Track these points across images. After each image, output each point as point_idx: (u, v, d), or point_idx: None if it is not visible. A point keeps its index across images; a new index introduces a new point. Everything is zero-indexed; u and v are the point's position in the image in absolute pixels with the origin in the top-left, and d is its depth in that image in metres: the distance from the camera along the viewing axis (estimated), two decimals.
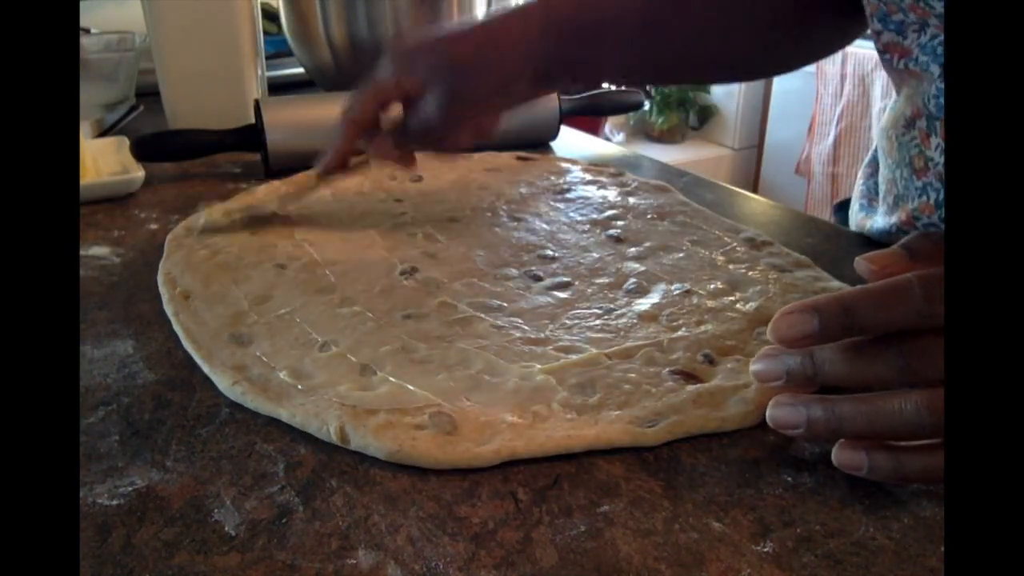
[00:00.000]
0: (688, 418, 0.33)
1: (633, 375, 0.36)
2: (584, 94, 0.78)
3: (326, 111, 0.68)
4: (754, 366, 0.32)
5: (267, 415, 0.34)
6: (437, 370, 0.36)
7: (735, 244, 0.50)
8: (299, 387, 0.35)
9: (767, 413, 0.31)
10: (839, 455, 0.29)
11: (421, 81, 0.48)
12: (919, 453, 0.28)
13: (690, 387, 0.35)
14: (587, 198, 0.59)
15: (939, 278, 0.27)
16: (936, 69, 0.45)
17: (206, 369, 0.37)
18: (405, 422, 0.32)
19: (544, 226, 0.54)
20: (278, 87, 0.93)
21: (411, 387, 0.35)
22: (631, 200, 0.58)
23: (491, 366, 0.37)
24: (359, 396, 0.34)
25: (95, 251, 0.51)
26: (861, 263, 0.34)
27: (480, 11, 0.79)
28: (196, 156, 0.66)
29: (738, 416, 0.33)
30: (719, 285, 0.45)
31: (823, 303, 0.29)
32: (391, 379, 0.36)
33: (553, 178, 0.63)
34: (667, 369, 0.37)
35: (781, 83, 2.48)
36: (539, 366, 0.37)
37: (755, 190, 2.56)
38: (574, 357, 0.37)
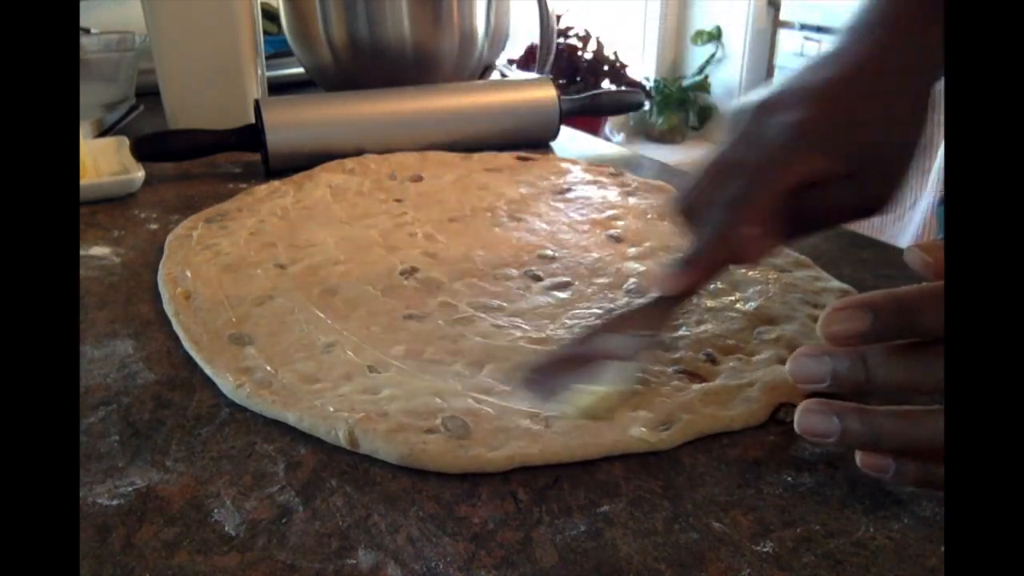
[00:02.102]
0: (699, 418, 0.33)
1: (639, 374, 0.36)
2: (585, 94, 0.78)
3: (326, 111, 0.68)
4: (793, 365, 0.30)
5: (272, 417, 0.34)
6: (443, 371, 0.36)
7: None
8: (304, 389, 0.35)
9: (796, 419, 0.29)
10: (864, 458, 0.28)
11: (841, 161, 0.35)
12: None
13: (696, 386, 0.35)
14: (587, 198, 0.59)
15: None
16: None
17: (209, 371, 0.37)
18: (416, 426, 0.32)
19: (544, 226, 0.54)
20: (278, 87, 0.93)
21: (419, 389, 0.35)
22: (631, 200, 0.58)
23: (498, 367, 0.37)
24: (368, 400, 0.34)
25: (95, 251, 0.51)
26: (915, 253, 0.30)
27: (481, 12, 0.79)
28: (196, 156, 0.66)
29: (744, 415, 0.33)
30: (719, 285, 0.45)
31: (879, 300, 0.27)
32: (397, 380, 0.36)
33: (553, 178, 0.63)
34: (672, 368, 0.37)
35: None
36: None
37: None
38: None
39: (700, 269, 0.36)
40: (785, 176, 0.35)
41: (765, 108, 0.37)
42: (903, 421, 0.27)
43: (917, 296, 0.27)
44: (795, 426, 0.29)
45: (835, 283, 0.45)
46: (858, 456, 0.29)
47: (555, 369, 0.35)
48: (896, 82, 0.36)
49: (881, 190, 0.37)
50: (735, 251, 0.36)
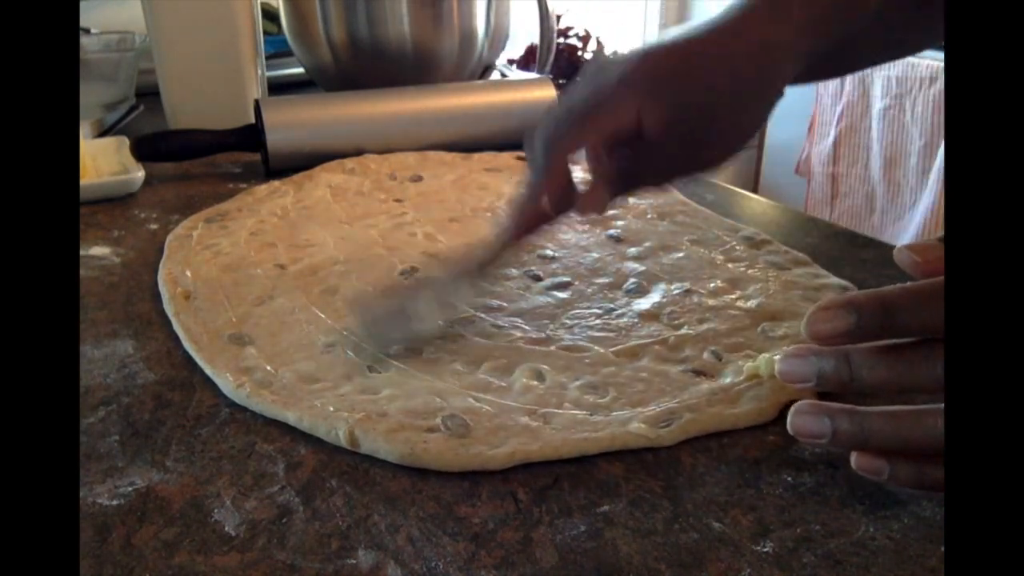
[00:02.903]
0: (703, 416, 0.33)
1: (644, 374, 0.36)
2: None
3: (326, 111, 0.68)
4: (782, 366, 0.30)
5: (272, 417, 0.34)
6: (442, 371, 0.36)
7: (734, 243, 0.50)
8: (304, 389, 0.35)
9: (788, 420, 0.29)
10: (859, 460, 0.28)
11: (663, 114, 0.35)
12: (941, 463, 0.27)
13: (704, 384, 0.35)
14: None
15: None
16: None
17: (209, 371, 0.37)
18: (416, 425, 0.32)
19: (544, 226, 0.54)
20: (278, 87, 0.93)
21: (418, 388, 0.35)
22: (631, 200, 0.58)
23: (497, 366, 0.37)
24: (368, 400, 0.34)
25: (95, 251, 0.51)
26: (904, 253, 0.30)
27: (481, 12, 0.79)
28: (196, 156, 0.66)
29: (752, 413, 0.33)
30: (719, 284, 0.45)
31: (862, 300, 0.28)
32: (397, 380, 0.36)
33: None
34: (679, 367, 0.37)
35: None
36: (546, 367, 0.37)
37: (755, 190, 2.56)
38: (580, 356, 0.37)
39: (525, 216, 0.39)
40: (603, 121, 0.36)
41: (609, 60, 0.37)
42: (894, 421, 0.27)
43: (900, 296, 0.27)
44: (788, 427, 0.29)
45: (834, 279, 0.45)
46: (853, 458, 0.29)
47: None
48: (743, 59, 0.36)
49: (707, 155, 0.38)
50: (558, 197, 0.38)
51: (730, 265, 0.47)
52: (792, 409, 0.29)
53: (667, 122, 0.35)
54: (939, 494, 0.29)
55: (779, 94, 0.37)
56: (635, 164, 0.38)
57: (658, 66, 0.36)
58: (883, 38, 0.43)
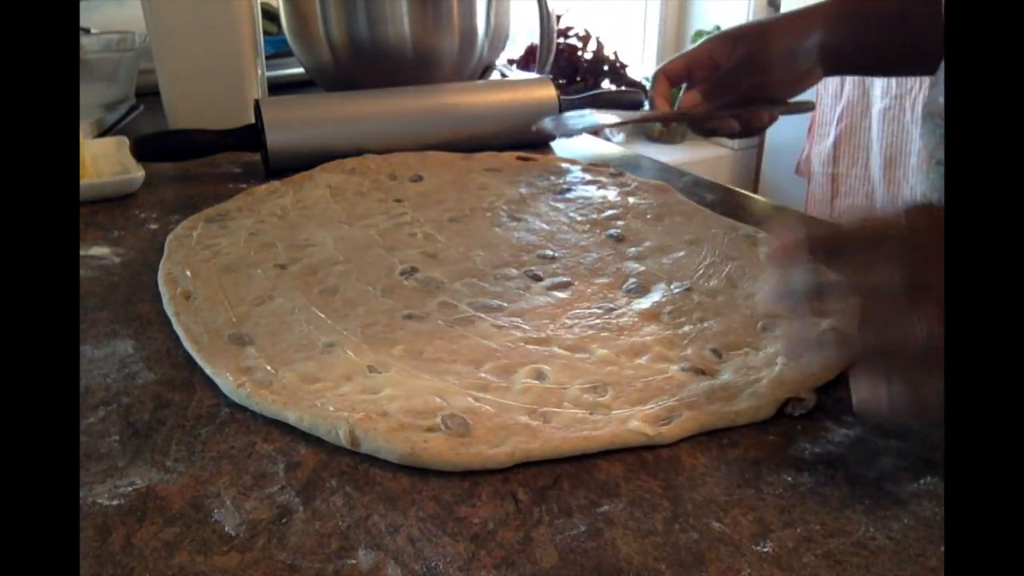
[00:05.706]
0: (702, 414, 0.33)
1: (644, 372, 0.36)
2: (585, 93, 0.78)
3: (326, 111, 0.68)
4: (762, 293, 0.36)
5: (272, 417, 0.34)
6: (443, 371, 0.36)
7: (734, 241, 0.50)
8: (304, 389, 0.35)
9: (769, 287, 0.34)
10: (857, 387, 0.30)
11: (731, 66, 0.61)
12: (932, 371, 0.27)
13: (703, 382, 0.35)
14: (587, 198, 0.59)
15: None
16: None
17: (209, 371, 0.37)
18: (417, 424, 0.32)
19: (544, 226, 0.54)
20: (278, 87, 0.93)
21: (418, 388, 0.35)
22: (631, 200, 0.58)
23: (498, 366, 0.37)
24: (368, 399, 0.34)
25: (95, 251, 0.51)
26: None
27: (481, 12, 0.79)
28: (196, 156, 0.66)
29: (751, 410, 0.33)
30: (719, 282, 0.45)
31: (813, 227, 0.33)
32: (397, 380, 0.36)
33: (553, 178, 0.63)
34: (678, 366, 0.37)
35: None
36: (547, 366, 0.37)
37: (755, 190, 2.56)
38: (581, 356, 0.37)
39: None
40: (690, 53, 0.64)
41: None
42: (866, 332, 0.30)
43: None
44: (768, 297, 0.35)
45: (832, 277, 0.45)
46: (854, 399, 0.30)
47: None
48: (788, 39, 0.61)
49: (778, 85, 0.62)
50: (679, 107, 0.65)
51: (730, 263, 0.47)
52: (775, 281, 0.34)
53: (729, 53, 0.61)
54: (924, 486, 0.29)
55: (810, 72, 0.62)
56: (715, 86, 0.62)
57: (726, 31, 0.63)
58: (905, 48, 0.62)
